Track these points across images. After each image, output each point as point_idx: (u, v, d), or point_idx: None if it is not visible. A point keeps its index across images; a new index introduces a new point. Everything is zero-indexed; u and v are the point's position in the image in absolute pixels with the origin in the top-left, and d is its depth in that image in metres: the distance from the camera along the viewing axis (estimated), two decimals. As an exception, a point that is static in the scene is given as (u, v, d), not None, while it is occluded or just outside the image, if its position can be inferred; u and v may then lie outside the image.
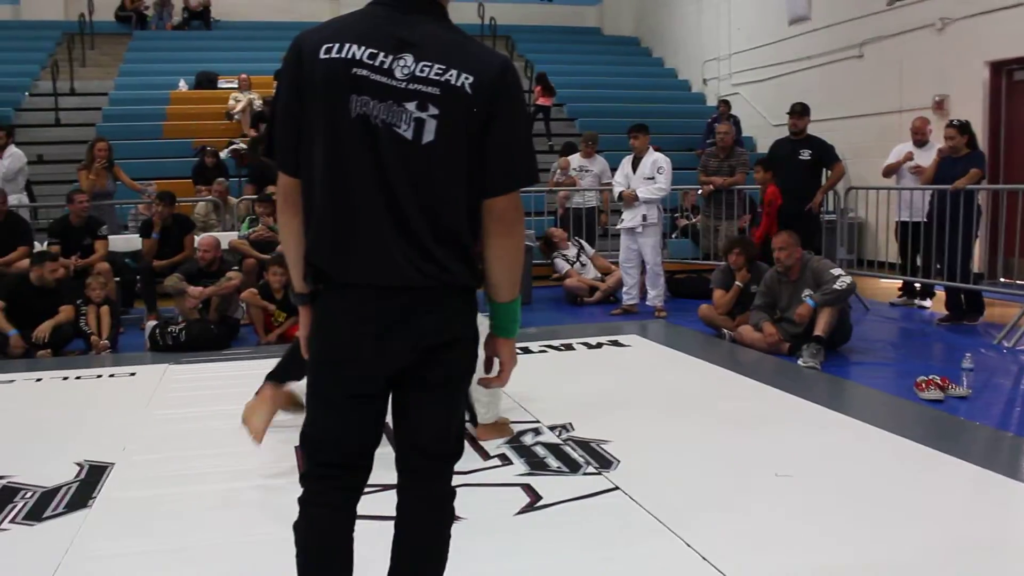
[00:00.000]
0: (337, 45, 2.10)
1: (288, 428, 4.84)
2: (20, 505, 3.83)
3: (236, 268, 8.41)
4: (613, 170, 9.76)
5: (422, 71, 2.07)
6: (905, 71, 11.68)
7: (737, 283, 7.39)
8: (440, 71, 2.07)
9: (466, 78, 2.06)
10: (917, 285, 9.15)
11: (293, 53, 2.16)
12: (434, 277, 2.10)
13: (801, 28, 13.89)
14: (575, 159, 11.55)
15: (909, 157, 9.11)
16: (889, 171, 9.36)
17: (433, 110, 2.06)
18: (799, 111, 8.78)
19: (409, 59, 2.07)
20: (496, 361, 2.28)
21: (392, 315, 2.11)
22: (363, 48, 2.09)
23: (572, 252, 10.17)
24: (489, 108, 2.08)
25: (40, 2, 17.95)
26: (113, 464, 4.34)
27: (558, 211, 11.56)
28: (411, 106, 2.06)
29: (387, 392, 2.23)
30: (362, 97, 2.08)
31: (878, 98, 12.06)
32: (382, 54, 2.08)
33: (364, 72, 2.08)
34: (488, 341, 2.27)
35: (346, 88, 2.08)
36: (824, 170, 8.92)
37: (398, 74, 2.07)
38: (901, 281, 9.42)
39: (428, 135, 2.06)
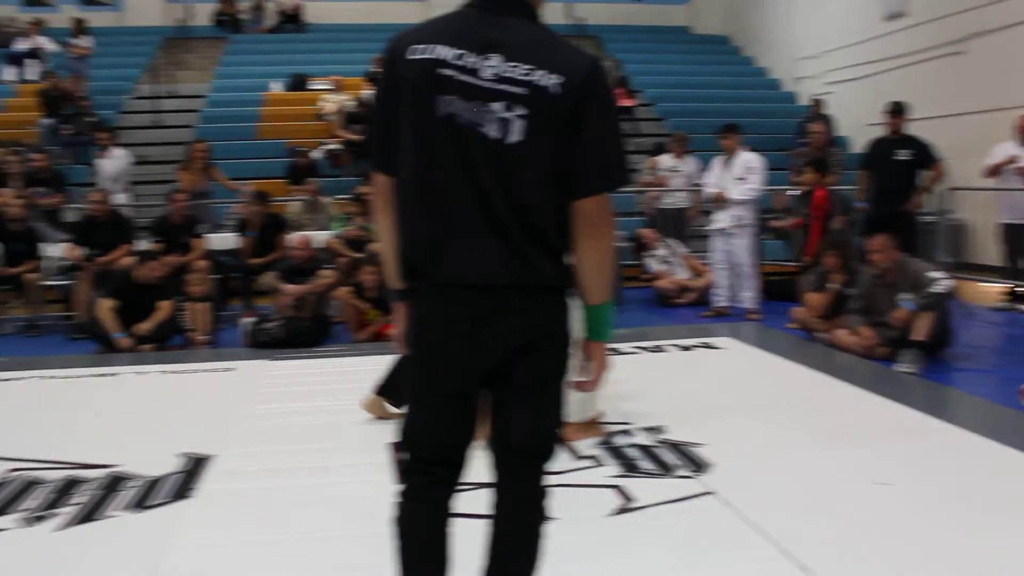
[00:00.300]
0: (425, 46, 2.13)
1: (374, 421, 4.93)
2: (127, 493, 3.97)
3: (330, 266, 8.57)
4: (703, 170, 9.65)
5: (509, 71, 2.07)
6: (1010, 67, 11.28)
7: (832, 285, 7.22)
8: (527, 71, 2.07)
9: (555, 79, 2.06)
10: (1021, 289, 8.84)
11: (387, 56, 2.20)
12: (524, 276, 2.12)
13: (897, 24, 13.52)
14: (665, 159, 11.43)
15: (1013, 160, 8.80)
16: (991, 172, 9.05)
17: (520, 110, 2.07)
18: (896, 110, 8.56)
19: (496, 59, 2.08)
20: (588, 364, 2.29)
21: (483, 313, 2.13)
22: (451, 49, 2.10)
23: (663, 252, 10.09)
24: (578, 109, 2.08)
25: (142, 8, 18.52)
26: (214, 456, 4.45)
27: (648, 212, 11.48)
28: (497, 106, 2.07)
29: (475, 385, 2.23)
30: (448, 97, 2.09)
31: (980, 95, 11.66)
32: (469, 54, 2.09)
33: (450, 72, 2.09)
34: (582, 343, 2.28)
35: (432, 88, 2.10)
36: (920, 170, 8.68)
37: (485, 74, 2.08)
38: (1007, 285, 9.10)
39: (514, 135, 2.07)
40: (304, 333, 7.57)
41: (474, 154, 2.09)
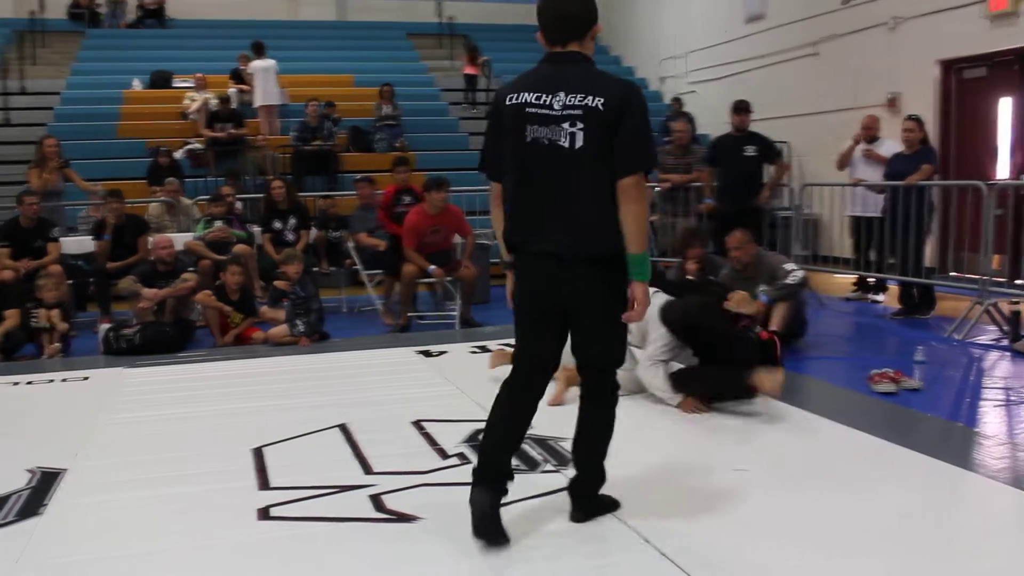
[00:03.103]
0: (516, 94, 3.18)
1: (239, 427, 4.82)
2: (-31, 513, 3.76)
3: (191, 269, 8.33)
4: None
5: (570, 101, 3.08)
6: (858, 69, 11.83)
7: (689, 277, 7.39)
8: (581, 98, 3.06)
9: (599, 100, 3.04)
10: (870, 279, 9.28)
11: (494, 100, 3.32)
12: (580, 250, 3.11)
13: (757, 27, 14.01)
14: None
15: (859, 139, 9.24)
16: (842, 162, 9.46)
17: (579, 125, 3.06)
18: (741, 107, 8.87)
19: (562, 95, 3.10)
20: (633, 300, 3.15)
21: (556, 272, 3.16)
22: (532, 94, 3.15)
23: None
24: (616, 118, 3.03)
25: (-9, 0, 17.63)
26: (65, 470, 4.27)
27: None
28: (566, 125, 3.08)
29: (559, 320, 3.25)
30: (533, 126, 3.13)
31: (832, 96, 12.21)
32: (544, 95, 3.13)
33: (533, 110, 3.14)
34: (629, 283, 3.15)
35: (522, 122, 3.15)
36: (766, 165, 9.05)
37: (555, 106, 3.10)
38: (855, 276, 9.54)
39: (578, 143, 3.07)
40: (164, 338, 7.34)
41: (552, 162, 3.11)
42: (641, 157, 3.09)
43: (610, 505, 3.53)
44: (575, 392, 3.58)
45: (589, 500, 3.48)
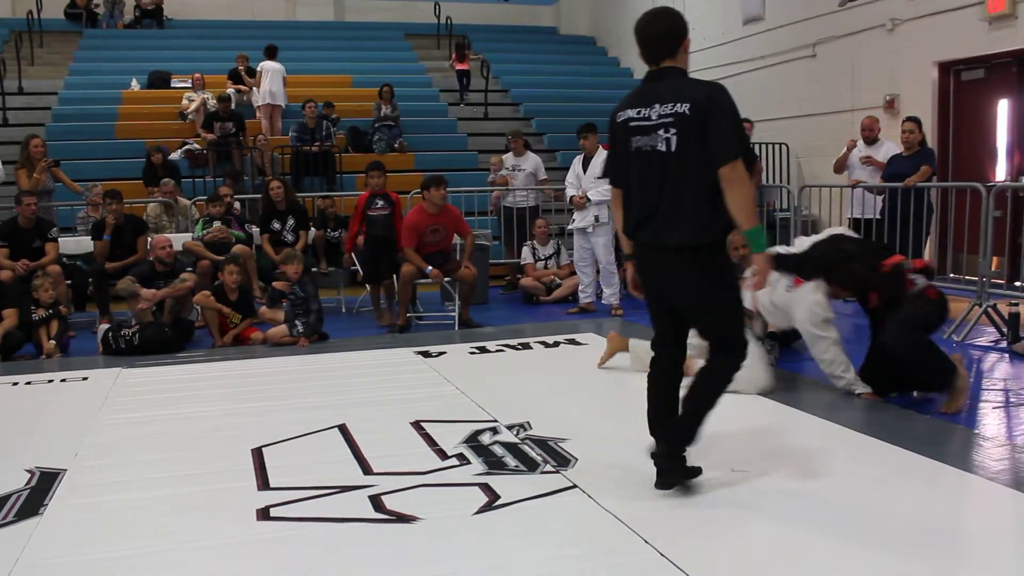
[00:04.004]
0: (623, 111, 3.71)
1: (238, 427, 4.82)
2: (-32, 513, 3.75)
3: (190, 269, 8.33)
4: (562, 169, 9.74)
5: (664, 110, 3.54)
6: (856, 71, 11.84)
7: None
8: (671, 107, 3.52)
9: (686, 106, 3.48)
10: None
11: (611, 118, 3.80)
12: (682, 238, 3.54)
13: (755, 28, 14.02)
14: (508, 158, 11.35)
15: (853, 144, 9.25)
16: (839, 167, 9.47)
17: (672, 131, 3.52)
18: None
19: (656, 106, 3.56)
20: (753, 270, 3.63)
21: (661, 260, 3.66)
22: (633, 109, 3.66)
23: (548, 251, 10.14)
24: (703, 118, 3.45)
25: (-14, -1, 17.62)
26: (65, 471, 4.27)
27: (490, 211, 11.42)
28: (661, 132, 3.55)
29: (665, 303, 3.77)
30: (636, 137, 3.64)
31: (830, 98, 12.21)
32: (643, 109, 3.62)
33: (635, 123, 3.64)
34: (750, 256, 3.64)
35: (628, 134, 3.68)
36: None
37: (652, 116, 3.57)
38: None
39: (674, 146, 3.53)
40: (163, 339, 7.33)
41: (655, 165, 3.58)
42: (731, 146, 3.45)
43: (694, 472, 3.80)
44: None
45: (677, 466, 3.75)
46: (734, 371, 3.73)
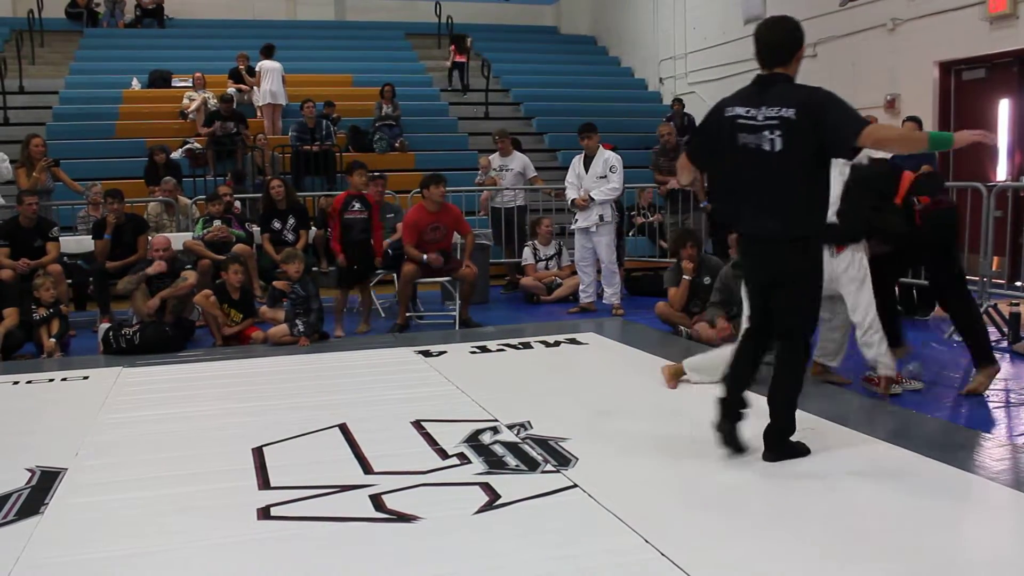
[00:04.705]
0: (731, 108, 4.00)
1: (239, 427, 4.82)
2: (-31, 512, 3.75)
3: (189, 267, 8.32)
4: (563, 168, 9.72)
5: (769, 113, 3.85)
6: (857, 71, 11.83)
7: (685, 276, 7.40)
8: (777, 111, 3.84)
9: (791, 111, 3.81)
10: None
11: (715, 109, 4.12)
12: (785, 230, 3.89)
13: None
14: (495, 158, 11.28)
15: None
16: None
17: (777, 132, 3.83)
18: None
19: (764, 108, 3.87)
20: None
21: (763, 250, 4.02)
22: (742, 108, 3.95)
23: (550, 251, 10.14)
24: (813, 119, 3.78)
25: (-14, -1, 17.61)
26: (65, 470, 4.27)
27: (479, 212, 11.36)
28: (766, 133, 3.86)
29: (768, 290, 4.05)
30: (742, 134, 3.93)
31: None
32: (751, 109, 3.91)
33: (742, 121, 3.93)
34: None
35: (735, 130, 3.96)
36: None
37: (759, 118, 3.87)
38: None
39: (777, 146, 3.84)
40: (164, 338, 7.33)
41: (758, 162, 3.89)
42: (854, 120, 3.77)
43: (802, 450, 4.13)
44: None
45: (781, 444, 4.08)
46: (805, 360, 4.18)
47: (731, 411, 4.10)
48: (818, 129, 3.77)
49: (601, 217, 8.69)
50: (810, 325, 4.15)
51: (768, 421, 4.10)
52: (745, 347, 4.22)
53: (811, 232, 3.96)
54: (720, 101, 4.10)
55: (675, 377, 5.61)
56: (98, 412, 5.38)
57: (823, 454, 4.21)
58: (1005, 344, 6.81)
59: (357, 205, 8.15)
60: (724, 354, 4.73)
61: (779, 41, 3.98)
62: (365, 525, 3.51)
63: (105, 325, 7.62)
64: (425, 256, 7.97)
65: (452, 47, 16.95)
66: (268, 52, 14.45)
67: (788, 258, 3.95)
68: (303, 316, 7.47)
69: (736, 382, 4.14)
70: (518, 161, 11.03)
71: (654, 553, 3.15)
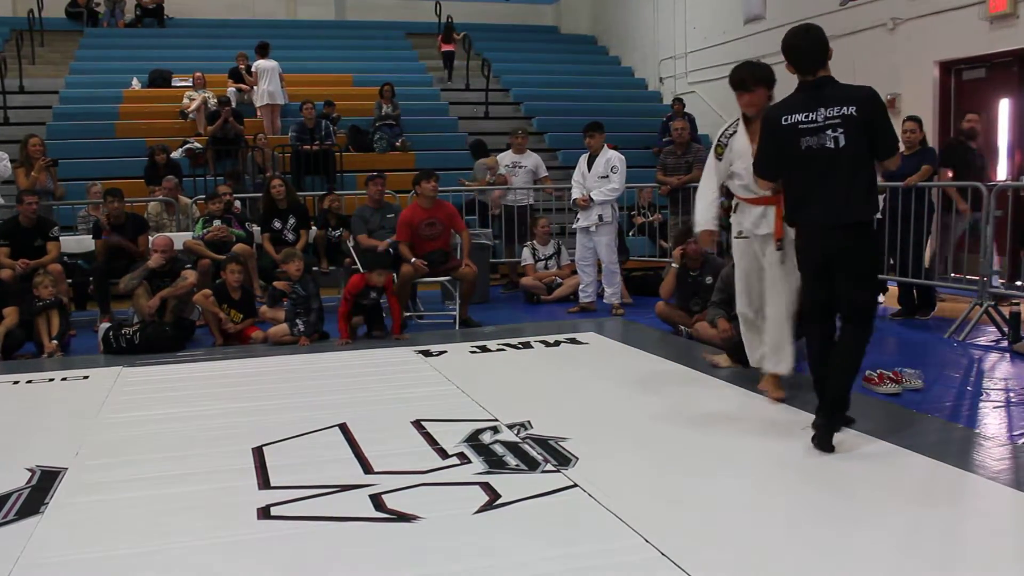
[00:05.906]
0: (789, 115, 4.32)
1: (239, 427, 4.82)
2: (-31, 512, 3.75)
3: (189, 266, 8.32)
4: (563, 168, 9.71)
5: (830, 113, 4.20)
6: (857, 70, 11.79)
7: (673, 264, 7.37)
8: (838, 110, 4.18)
9: (851, 108, 4.16)
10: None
11: (771, 120, 4.43)
12: (843, 216, 4.21)
13: (756, 27, 14.00)
14: (507, 156, 11.29)
15: None
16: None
17: (840, 130, 4.17)
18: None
19: (822, 110, 4.21)
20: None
21: (823, 235, 4.28)
22: (800, 114, 4.28)
23: (549, 251, 10.13)
24: (869, 119, 4.17)
25: (-13, -2, 17.61)
26: (66, 469, 4.27)
27: (491, 211, 11.31)
28: (829, 132, 4.19)
29: (826, 272, 4.32)
30: (805, 137, 4.26)
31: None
32: (810, 112, 4.25)
33: (803, 126, 4.26)
34: None
35: (797, 136, 4.28)
36: None
37: (819, 119, 4.21)
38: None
39: (841, 143, 4.18)
40: (164, 337, 7.33)
41: (823, 160, 4.22)
42: (895, 144, 4.30)
43: (849, 421, 4.42)
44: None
45: (833, 419, 4.28)
46: (867, 342, 4.34)
47: (827, 407, 4.28)
48: (871, 128, 4.16)
49: (600, 217, 8.69)
50: (875, 305, 4.50)
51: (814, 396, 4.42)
52: (813, 332, 4.51)
53: (871, 216, 4.31)
54: (769, 114, 4.49)
55: (778, 388, 5.28)
56: (98, 412, 5.39)
57: (823, 454, 4.21)
58: (1005, 344, 6.81)
59: (373, 294, 7.68)
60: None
61: (815, 47, 4.35)
62: (365, 525, 3.51)
63: (105, 325, 7.62)
64: (413, 259, 7.96)
65: (439, 37, 17.18)
66: (263, 51, 14.36)
67: (855, 241, 4.22)
68: (303, 316, 7.47)
69: (818, 373, 4.42)
70: (532, 159, 11.07)
71: (654, 553, 3.15)
